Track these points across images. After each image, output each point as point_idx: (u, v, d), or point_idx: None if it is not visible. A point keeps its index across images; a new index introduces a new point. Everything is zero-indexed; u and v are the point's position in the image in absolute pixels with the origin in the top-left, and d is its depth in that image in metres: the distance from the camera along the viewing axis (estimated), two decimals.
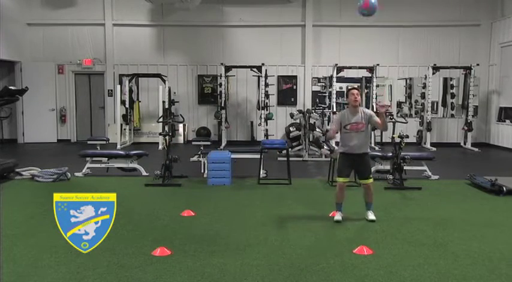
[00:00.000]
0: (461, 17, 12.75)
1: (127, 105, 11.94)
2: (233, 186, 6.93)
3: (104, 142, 8.86)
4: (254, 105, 12.72)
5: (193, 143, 8.93)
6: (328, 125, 11.66)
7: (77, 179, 7.43)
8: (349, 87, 5.06)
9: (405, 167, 6.81)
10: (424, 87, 11.93)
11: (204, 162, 7.68)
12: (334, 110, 11.71)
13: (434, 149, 11.42)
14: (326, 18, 12.92)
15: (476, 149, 11.55)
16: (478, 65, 11.77)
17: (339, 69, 11.76)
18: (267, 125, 11.40)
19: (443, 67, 11.88)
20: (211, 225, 4.85)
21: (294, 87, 13.04)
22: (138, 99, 12.77)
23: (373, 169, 7.46)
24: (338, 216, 5.03)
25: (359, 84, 13.27)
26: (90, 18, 12.98)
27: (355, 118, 4.94)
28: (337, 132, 5.16)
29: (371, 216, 5.03)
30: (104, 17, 12.98)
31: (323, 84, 12.82)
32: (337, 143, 6.08)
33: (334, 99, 11.84)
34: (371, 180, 5.05)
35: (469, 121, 11.77)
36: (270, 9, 12.99)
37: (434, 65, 11.74)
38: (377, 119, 4.96)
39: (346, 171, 5.03)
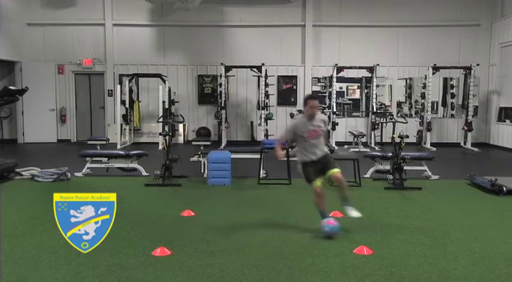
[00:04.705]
0: (461, 17, 12.75)
1: (127, 105, 11.94)
2: (233, 186, 6.93)
3: (104, 142, 8.88)
4: (254, 105, 12.72)
5: (193, 143, 8.93)
6: (328, 125, 11.67)
7: (77, 179, 7.43)
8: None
9: (405, 167, 6.81)
10: (424, 87, 11.92)
11: (204, 162, 7.68)
12: (334, 110, 11.73)
13: (434, 149, 11.42)
14: (326, 18, 12.91)
15: (476, 149, 11.55)
16: (478, 65, 11.77)
17: (339, 69, 11.78)
18: (267, 125, 11.41)
19: (443, 67, 11.88)
20: (211, 225, 4.84)
21: (294, 87, 13.03)
22: (138, 99, 12.77)
23: (373, 169, 7.52)
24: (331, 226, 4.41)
25: (359, 84, 13.32)
26: (90, 18, 12.98)
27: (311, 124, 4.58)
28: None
29: (354, 213, 4.55)
30: (104, 17, 12.98)
31: (323, 84, 12.83)
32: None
33: (334, 99, 11.86)
34: (337, 169, 4.51)
35: (469, 121, 11.77)
36: (270, 9, 12.98)
37: (434, 65, 11.73)
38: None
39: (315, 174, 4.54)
